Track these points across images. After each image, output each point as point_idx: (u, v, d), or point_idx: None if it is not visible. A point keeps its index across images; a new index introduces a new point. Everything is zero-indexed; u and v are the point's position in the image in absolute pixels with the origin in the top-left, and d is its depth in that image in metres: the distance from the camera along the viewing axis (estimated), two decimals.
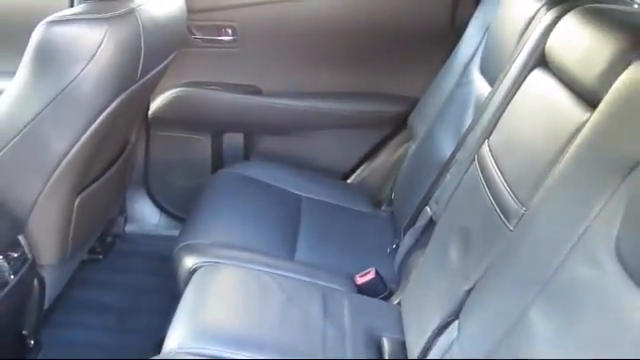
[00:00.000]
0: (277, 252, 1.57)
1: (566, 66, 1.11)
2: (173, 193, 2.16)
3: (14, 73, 1.36)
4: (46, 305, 1.54)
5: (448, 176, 1.47)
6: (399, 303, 1.43)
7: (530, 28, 1.33)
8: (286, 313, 1.31)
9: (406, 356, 1.24)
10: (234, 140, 2.14)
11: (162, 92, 2.03)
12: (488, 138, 1.30)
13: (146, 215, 2.18)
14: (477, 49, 1.74)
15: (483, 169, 1.24)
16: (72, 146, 1.36)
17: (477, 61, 1.72)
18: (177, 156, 2.14)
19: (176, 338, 1.21)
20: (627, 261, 0.77)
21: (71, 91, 1.31)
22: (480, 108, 1.46)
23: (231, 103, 2.07)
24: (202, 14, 1.98)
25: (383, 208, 1.93)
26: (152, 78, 1.58)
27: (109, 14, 1.31)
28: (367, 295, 1.48)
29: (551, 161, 1.00)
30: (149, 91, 1.77)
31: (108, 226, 2.00)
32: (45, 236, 1.42)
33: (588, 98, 1.00)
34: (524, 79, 1.27)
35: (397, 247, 1.59)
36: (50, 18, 1.29)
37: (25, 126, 1.33)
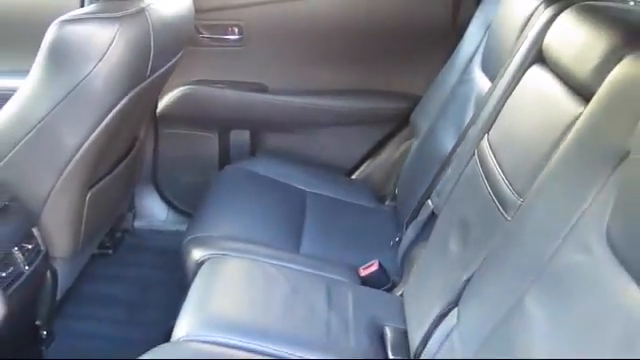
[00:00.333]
0: (282, 245, 1.61)
1: (562, 62, 1.15)
2: (181, 189, 2.20)
3: (27, 72, 1.40)
4: (58, 297, 1.58)
5: (449, 170, 1.51)
6: (402, 295, 1.46)
7: (529, 25, 1.37)
8: (291, 303, 1.35)
9: (408, 345, 1.28)
10: (240, 137, 2.18)
11: (170, 90, 2.07)
12: (488, 132, 1.34)
13: (154, 211, 2.22)
14: (478, 47, 1.77)
15: (482, 162, 1.28)
16: (83, 142, 1.40)
17: (478, 59, 1.75)
18: (185, 153, 2.18)
19: (184, 327, 1.25)
20: (617, 247, 0.80)
21: (83, 88, 1.35)
22: (480, 104, 1.50)
23: (237, 101, 2.11)
24: (209, 13, 2.02)
25: (387, 203, 1.97)
26: (161, 76, 1.61)
27: (120, 13, 1.35)
28: (370, 287, 1.52)
29: (547, 153, 1.03)
30: (158, 89, 1.81)
31: (117, 221, 2.04)
32: (58, 229, 1.46)
33: (582, 92, 1.04)
34: (522, 75, 1.30)
35: (400, 240, 1.63)
36: (63, 17, 1.33)
37: (38, 123, 1.37)
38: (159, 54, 1.50)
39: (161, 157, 2.18)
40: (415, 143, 1.92)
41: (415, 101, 2.02)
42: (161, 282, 1.95)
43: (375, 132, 2.17)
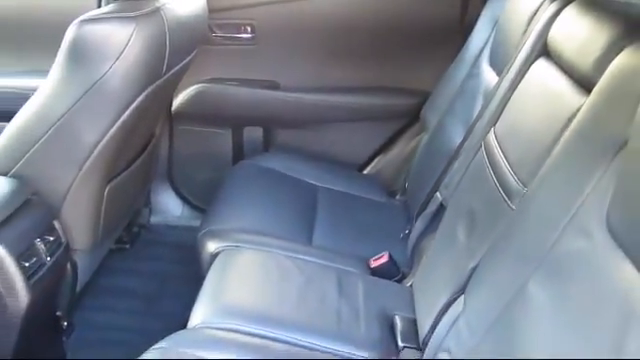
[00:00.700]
0: (295, 237, 1.64)
1: (566, 55, 1.18)
2: (195, 185, 2.24)
3: (46, 72, 1.45)
4: (78, 289, 1.63)
5: (457, 163, 1.53)
6: (411, 285, 1.49)
7: (534, 20, 1.40)
8: (304, 293, 1.39)
9: (417, 333, 1.31)
10: (253, 133, 2.22)
11: (184, 88, 2.11)
12: (494, 125, 1.37)
13: (170, 206, 2.27)
14: (486, 43, 1.80)
15: (489, 154, 1.31)
16: (102, 138, 1.44)
17: (486, 54, 1.78)
18: (199, 149, 2.23)
19: (200, 315, 1.29)
20: (617, 232, 0.83)
21: (101, 86, 1.39)
22: (488, 98, 1.52)
23: (250, 98, 2.15)
24: (222, 13, 2.06)
25: (397, 198, 2.00)
26: (176, 74, 1.66)
27: (136, 13, 1.40)
28: (381, 278, 1.55)
29: (550, 143, 1.06)
30: (173, 86, 1.86)
31: (134, 217, 2.09)
32: (78, 222, 1.51)
33: (584, 84, 1.06)
34: (528, 68, 1.33)
35: (409, 232, 1.66)
36: (82, 17, 1.38)
37: (58, 120, 1.42)
38: (174, 52, 1.54)
39: (176, 154, 2.23)
40: (425, 138, 1.95)
41: (425, 97, 2.05)
42: (177, 275, 2.00)
43: (386, 128, 2.20)
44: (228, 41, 2.12)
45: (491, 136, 1.35)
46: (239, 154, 2.22)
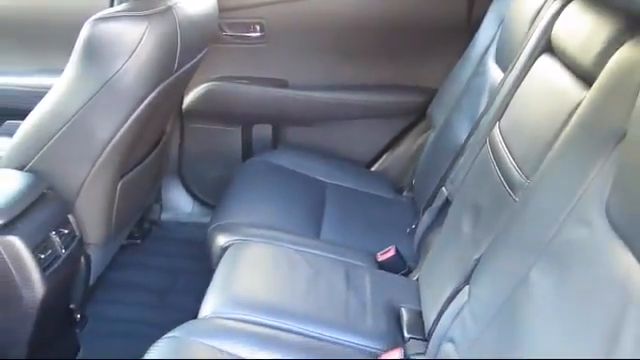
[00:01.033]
0: (303, 232, 1.67)
1: (569, 50, 1.20)
2: (205, 182, 2.28)
3: (60, 70, 1.48)
4: (91, 282, 1.67)
5: (462, 159, 1.56)
6: (417, 279, 1.51)
7: (539, 17, 1.42)
8: (312, 285, 1.41)
9: (423, 324, 1.33)
10: (263, 131, 2.26)
11: (195, 86, 2.14)
12: (499, 120, 1.39)
13: (180, 203, 2.30)
14: (492, 41, 1.82)
15: (494, 149, 1.33)
16: (115, 134, 1.47)
17: (492, 52, 1.80)
18: (209, 147, 2.26)
19: (210, 305, 1.32)
20: (616, 221, 0.85)
21: (114, 83, 1.43)
22: (493, 94, 1.55)
23: (259, 96, 2.18)
24: (232, 12, 2.09)
25: (404, 194, 2.02)
26: (186, 72, 1.69)
27: (149, 11, 1.43)
28: (388, 272, 1.58)
29: (553, 136, 1.08)
30: (183, 84, 1.89)
31: (145, 213, 2.13)
32: (91, 216, 1.54)
33: (586, 78, 1.09)
34: (532, 64, 1.35)
35: (416, 227, 1.68)
36: (96, 15, 1.41)
37: (72, 116, 1.45)
38: (185, 50, 1.57)
39: (187, 151, 2.26)
40: (432, 135, 1.97)
41: (432, 95, 2.08)
42: (187, 270, 2.03)
43: (393, 125, 2.22)
44: (238, 40, 2.16)
45: (496, 131, 1.37)
46: (248, 152, 2.25)
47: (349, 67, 2.18)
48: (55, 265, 1.39)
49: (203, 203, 2.30)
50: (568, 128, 1.03)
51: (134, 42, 1.40)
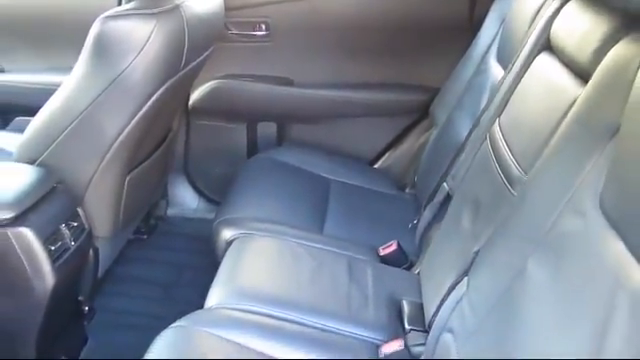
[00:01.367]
0: (307, 227, 1.70)
1: (567, 48, 1.23)
2: (211, 179, 2.31)
3: (69, 68, 1.51)
4: (99, 275, 1.70)
5: (463, 155, 1.58)
6: (419, 273, 1.54)
7: (539, 16, 1.45)
8: (315, 277, 1.44)
9: (424, 316, 1.36)
10: (268, 129, 2.29)
11: (201, 84, 2.18)
12: (499, 117, 1.42)
13: (186, 199, 2.33)
14: (494, 40, 1.85)
15: (493, 145, 1.36)
16: (123, 130, 1.50)
17: (494, 51, 1.83)
18: (215, 144, 2.29)
19: (216, 296, 1.36)
20: (609, 211, 0.88)
21: (122, 80, 1.46)
22: (494, 91, 1.57)
23: (265, 94, 2.22)
24: (238, 11, 2.12)
25: (407, 191, 2.05)
26: (193, 69, 1.72)
27: (157, 10, 1.46)
28: (390, 266, 1.61)
29: (550, 132, 1.11)
30: (190, 82, 1.92)
31: (152, 209, 2.16)
32: (100, 210, 1.57)
33: (583, 75, 1.11)
34: (532, 62, 1.38)
35: (418, 222, 1.71)
36: (105, 14, 1.45)
37: (81, 113, 1.48)
38: (192, 48, 1.60)
39: (192, 148, 2.29)
40: (434, 133, 2.00)
41: (434, 93, 2.10)
42: (193, 265, 2.06)
43: (396, 123, 2.25)
44: (243, 38, 2.19)
45: (496, 128, 1.40)
46: (253, 149, 2.29)
47: (353, 66, 2.21)
48: (65, 257, 1.43)
49: (208, 199, 2.33)
50: (565, 123, 1.05)
51: (142, 40, 1.43)
